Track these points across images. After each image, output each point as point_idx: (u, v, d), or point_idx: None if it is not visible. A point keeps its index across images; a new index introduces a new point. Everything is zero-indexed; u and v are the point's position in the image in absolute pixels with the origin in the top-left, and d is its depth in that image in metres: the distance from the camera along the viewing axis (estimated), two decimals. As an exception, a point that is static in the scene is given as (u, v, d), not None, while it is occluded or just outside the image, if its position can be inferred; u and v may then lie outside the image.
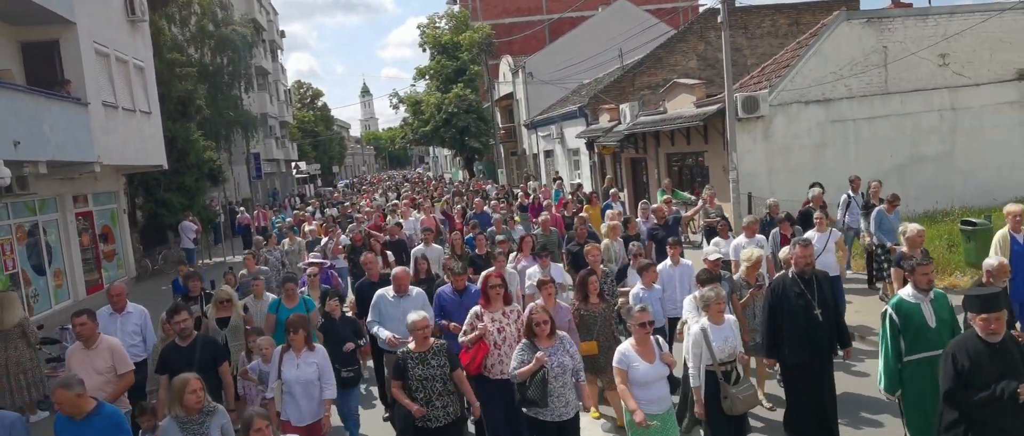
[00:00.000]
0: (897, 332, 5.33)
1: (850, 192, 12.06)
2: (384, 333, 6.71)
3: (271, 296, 8.38)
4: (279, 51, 54.29)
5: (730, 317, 5.74)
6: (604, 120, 23.79)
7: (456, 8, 42.52)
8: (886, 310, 5.37)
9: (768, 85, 16.27)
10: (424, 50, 42.17)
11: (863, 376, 7.76)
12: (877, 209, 10.58)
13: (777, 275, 6.73)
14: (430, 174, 71.71)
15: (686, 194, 16.44)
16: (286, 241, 13.97)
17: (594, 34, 33.63)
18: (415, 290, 6.94)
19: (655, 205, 11.94)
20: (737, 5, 25.15)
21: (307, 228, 16.13)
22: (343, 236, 13.80)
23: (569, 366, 5.43)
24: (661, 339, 5.41)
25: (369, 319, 6.92)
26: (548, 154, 32.49)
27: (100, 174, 16.05)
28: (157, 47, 20.63)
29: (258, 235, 17.18)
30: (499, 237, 11.05)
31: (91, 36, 15.09)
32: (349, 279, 11.98)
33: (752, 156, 15.77)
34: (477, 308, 6.20)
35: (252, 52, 34.49)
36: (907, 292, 5.47)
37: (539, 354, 5.25)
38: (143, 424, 5.75)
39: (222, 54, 30.18)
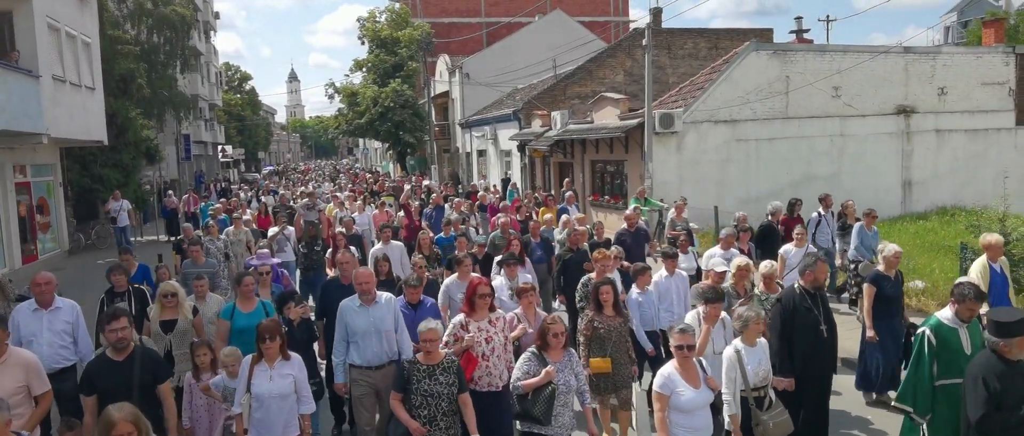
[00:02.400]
0: (934, 355, 5.19)
1: (820, 211, 11.71)
2: (341, 376, 6.01)
3: (215, 297, 7.43)
4: (212, 32, 53.53)
5: (762, 339, 5.42)
6: (536, 125, 25.26)
7: (396, 6, 43.21)
8: (923, 332, 5.22)
9: (684, 104, 18.09)
10: (362, 43, 42.68)
11: (835, 394, 7.19)
12: (858, 225, 10.48)
13: (785, 290, 6.46)
14: (359, 166, 71.74)
15: (658, 201, 16.28)
16: (230, 230, 12.62)
17: (530, 41, 35.08)
18: (384, 296, 6.03)
19: (627, 212, 11.54)
20: (663, 27, 27.25)
21: (245, 217, 14.59)
22: (290, 228, 12.85)
23: (573, 386, 5.19)
24: (704, 362, 5.10)
25: (336, 339, 5.99)
26: (481, 153, 33.78)
27: (40, 146, 16.34)
28: (100, 24, 20.77)
29: (187, 222, 15.29)
30: (480, 239, 10.59)
31: (44, 10, 15.44)
32: (297, 274, 11.34)
33: (666, 167, 17.54)
34: (461, 317, 5.79)
35: (189, 33, 34.30)
36: (946, 316, 5.32)
37: (549, 368, 4.97)
38: None
39: (160, 33, 30.05)
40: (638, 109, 18.90)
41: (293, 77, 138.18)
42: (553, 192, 21.04)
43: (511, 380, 5.19)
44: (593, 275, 7.31)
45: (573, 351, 5.34)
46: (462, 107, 36.17)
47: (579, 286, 7.34)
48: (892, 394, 6.92)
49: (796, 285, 6.18)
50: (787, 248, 9.43)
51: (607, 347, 6.18)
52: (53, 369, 5.84)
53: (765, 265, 6.95)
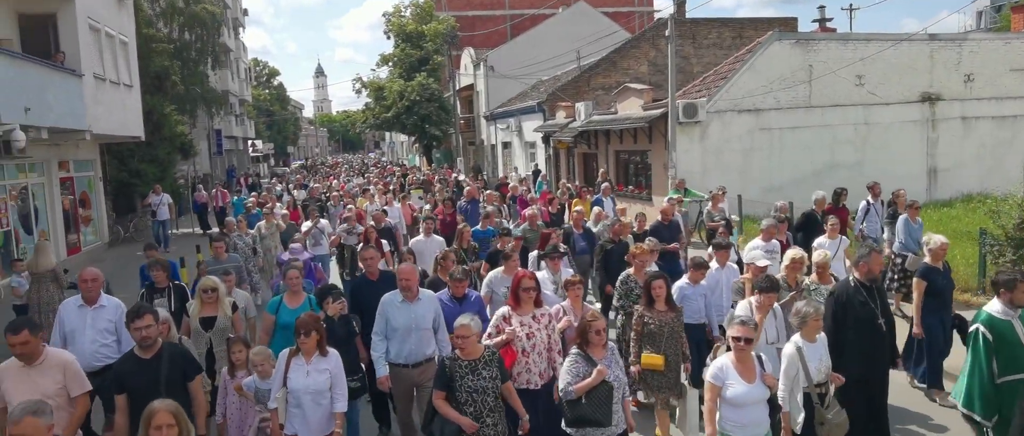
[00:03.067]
0: (991, 351, 4.90)
1: (869, 199, 11.37)
2: (382, 369, 5.87)
3: (242, 293, 7.39)
4: (241, 29, 54.49)
5: (821, 334, 5.23)
6: (560, 116, 25.51)
7: (421, 0, 43.63)
8: (977, 328, 4.92)
9: (707, 94, 18.22)
10: (388, 37, 43.22)
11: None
12: (903, 218, 10.03)
13: (840, 282, 6.27)
14: (386, 159, 72.55)
15: (699, 192, 15.91)
16: (262, 224, 12.50)
17: (554, 33, 35.29)
18: (426, 293, 6.05)
19: (664, 205, 11.10)
20: (687, 17, 27.30)
21: (279, 211, 14.58)
22: (324, 221, 12.76)
23: (623, 381, 4.98)
24: (763, 357, 4.88)
25: (375, 334, 5.89)
26: (506, 145, 34.11)
27: (82, 143, 17.03)
28: (135, 23, 21.44)
29: (228, 217, 15.10)
30: (516, 231, 10.43)
31: (86, 11, 16.07)
32: (331, 265, 11.19)
33: (689, 156, 17.71)
34: (505, 309, 5.70)
35: (219, 30, 35.06)
36: (996, 308, 5.03)
37: (601, 367, 4.72)
38: None
39: (191, 31, 30.80)
40: (662, 99, 19.07)
41: (320, 72, 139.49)
42: (583, 184, 20.54)
43: (560, 387, 4.88)
44: (631, 271, 7.08)
45: (613, 345, 5.13)
46: (487, 99, 36.52)
47: (619, 283, 7.11)
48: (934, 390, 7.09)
49: (850, 277, 5.97)
50: (820, 240, 9.07)
51: (660, 343, 5.99)
52: (94, 367, 5.82)
53: (818, 254, 6.71)
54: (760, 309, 5.77)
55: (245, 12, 56.74)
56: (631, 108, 20.25)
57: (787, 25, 26.38)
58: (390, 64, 43.17)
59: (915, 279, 7.07)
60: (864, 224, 11.14)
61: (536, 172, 25.18)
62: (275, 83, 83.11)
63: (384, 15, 43.50)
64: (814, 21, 21.44)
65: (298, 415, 5.03)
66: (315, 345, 5.06)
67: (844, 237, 9.21)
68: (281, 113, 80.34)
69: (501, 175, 31.94)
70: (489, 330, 5.63)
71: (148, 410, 3.74)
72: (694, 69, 25.46)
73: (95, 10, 16.80)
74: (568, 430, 4.86)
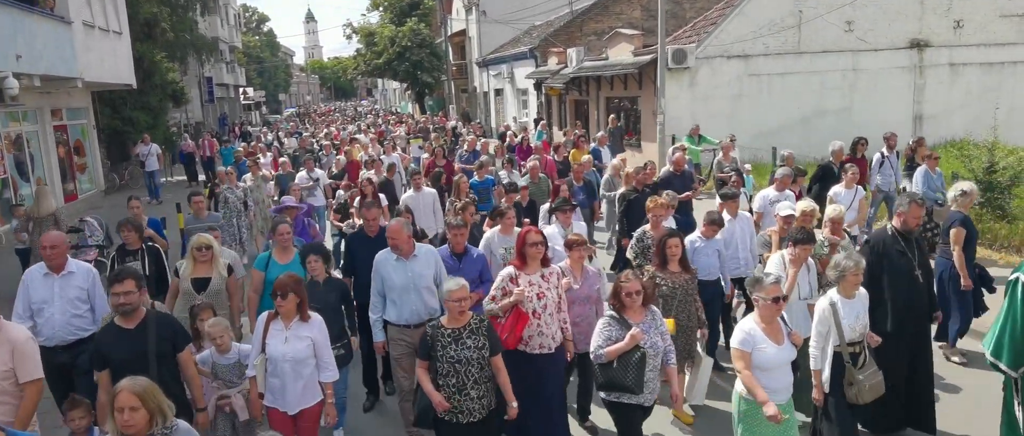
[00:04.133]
0: None
1: (884, 151, 10.88)
2: (379, 333, 5.65)
3: (229, 252, 6.79)
4: (229, -27, 53.51)
5: (862, 290, 4.93)
6: (552, 63, 25.51)
7: (412, -58, 42.87)
8: (1017, 277, 4.62)
9: (697, 40, 18.28)
10: (379, -18, 42.63)
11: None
12: (921, 169, 9.71)
13: (876, 232, 6.06)
14: (379, 107, 72.19)
15: (713, 140, 15.12)
16: (248, 176, 11.65)
17: (547, -23, 34.87)
18: (423, 248, 5.66)
19: (676, 154, 10.35)
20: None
21: (262, 161, 14.08)
22: (319, 171, 12.38)
23: (661, 348, 4.68)
24: (785, 315, 4.57)
25: (372, 294, 5.60)
26: (498, 92, 34.07)
27: (74, 90, 17.07)
28: (122, -33, 21.21)
29: (220, 167, 14.70)
30: (521, 182, 9.81)
31: (72, -44, 15.90)
32: (327, 223, 10.64)
33: (678, 103, 17.87)
34: (510, 269, 5.22)
35: (207, -26, 34.52)
36: None
37: (635, 330, 4.48)
38: (71, 422, 4.26)
39: (178, -25, 30.36)
40: (653, 45, 19.11)
41: (310, 17, 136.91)
42: (577, 130, 19.39)
43: (591, 348, 4.65)
44: (648, 227, 6.66)
45: (655, 309, 4.81)
46: (479, 45, 36.29)
47: (634, 241, 6.70)
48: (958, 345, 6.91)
49: (888, 226, 5.71)
50: (836, 190, 8.74)
51: (671, 306, 5.63)
52: (68, 340, 5.38)
53: (832, 209, 6.39)
54: (794, 262, 5.48)
55: (232, -45, 55.60)
56: (622, 54, 20.29)
57: (781, -31, 26.17)
58: (381, 9, 42.69)
59: (954, 229, 6.66)
60: (879, 176, 10.73)
61: (536, 121, 24.92)
62: (265, 29, 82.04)
63: (374, -42, 42.80)
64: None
65: (276, 385, 4.63)
66: (294, 308, 4.61)
67: (860, 188, 8.91)
68: (272, 60, 79.55)
69: (498, 124, 32.02)
70: (493, 292, 5.21)
71: (114, 389, 3.35)
72: (687, 14, 25.36)
73: (81, -45, 16.64)
74: (601, 393, 4.68)
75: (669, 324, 5.37)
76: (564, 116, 25.47)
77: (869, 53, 18.95)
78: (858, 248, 6.53)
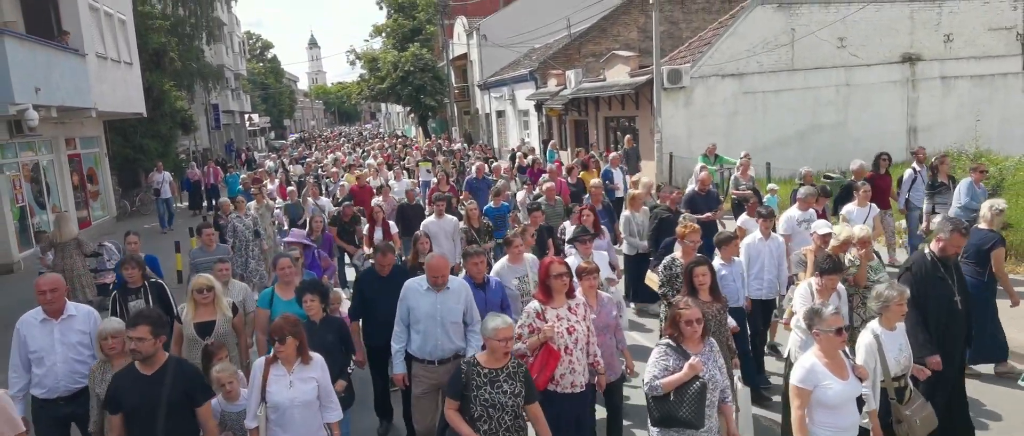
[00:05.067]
0: None
1: (915, 166, 10.42)
2: (400, 364, 5.35)
3: (239, 285, 6.63)
4: (233, 1, 54.47)
5: (901, 324, 4.72)
6: (552, 84, 25.99)
7: (414, -31, 43.74)
8: None
9: (692, 59, 18.74)
10: (381, 8, 43.43)
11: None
12: (966, 182, 9.10)
13: (915, 256, 5.85)
14: (382, 130, 72.88)
15: (730, 159, 15.07)
16: (252, 205, 11.36)
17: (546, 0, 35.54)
18: (457, 280, 5.38)
19: (704, 174, 10.28)
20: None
21: (269, 187, 13.86)
22: (323, 199, 12.18)
23: (719, 382, 4.31)
24: (848, 349, 4.30)
25: (397, 322, 5.32)
26: (500, 114, 34.58)
27: (87, 120, 17.60)
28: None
29: (224, 197, 12.97)
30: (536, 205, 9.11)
31: (86, -8, 16.52)
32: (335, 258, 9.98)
33: (674, 121, 18.29)
34: (535, 304, 4.94)
35: (212, 4, 35.28)
36: None
37: (693, 360, 4.14)
38: None
39: (185, 6, 31.07)
40: (648, 66, 19.57)
41: (313, 43, 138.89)
42: (592, 151, 18.64)
43: (645, 380, 4.31)
44: (678, 254, 6.34)
45: (713, 341, 4.47)
46: (480, 68, 36.88)
47: (661, 268, 6.34)
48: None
49: (926, 250, 5.59)
50: (849, 208, 8.54)
51: None
52: (72, 390, 5.04)
53: (860, 229, 6.23)
54: (822, 293, 5.31)
55: (237, -15, 56.63)
56: (619, 75, 20.77)
57: (774, -12, 26.75)
58: (383, 35, 43.44)
59: (995, 251, 6.49)
60: (909, 193, 10.25)
61: (545, 142, 24.36)
62: (269, 56, 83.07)
63: (376, -15, 43.62)
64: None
65: (284, 431, 4.39)
66: (294, 352, 4.38)
67: (874, 205, 8.66)
68: (276, 86, 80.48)
69: (500, 145, 32.49)
70: (518, 330, 4.78)
71: None
72: (684, 34, 25.84)
73: (94, -10, 17.25)
74: (653, 429, 4.34)
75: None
76: (565, 136, 25.91)
77: (862, 68, 19.39)
78: (892, 268, 6.32)
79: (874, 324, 4.67)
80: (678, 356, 4.22)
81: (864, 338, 4.63)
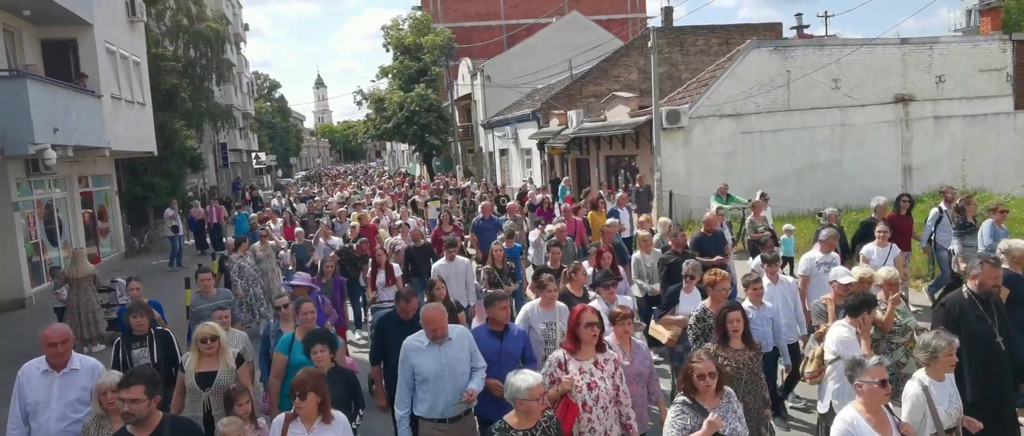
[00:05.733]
0: None
1: (942, 206, 10.21)
2: (405, 433, 4.94)
3: (239, 334, 6.42)
4: (242, 43, 55.70)
5: (950, 374, 4.43)
6: (554, 124, 26.53)
7: (419, 13, 44.76)
8: None
9: (690, 100, 19.22)
10: (387, 50, 44.31)
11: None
12: (988, 223, 9.13)
13: (952, 295, 5.64)
14: (387, 168, 73.69)
15: (741, 198, 15.16)
16: (256, 246, 11.30)
17: (549, 42, 36.39)
18: (457, 329, 5.05)
19: (709, 214, 10.11)
20: (675, 25, 28.37)
21: (272, 227, 13.72)
22: (335, 238, 12.08)
23: (742, 434, 4.17)
24: (891, 405, 4.14)
25: (399, 386, 4.97)
26: (503, 153, 35.13)
27: (100, 159, 18.09)
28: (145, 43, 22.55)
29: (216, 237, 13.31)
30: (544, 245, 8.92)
31: (104, 36, 17.14)
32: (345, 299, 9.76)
33: (674, 160, 18.70)
34: (560, 353, 4.69)
35: (223, 46, 36.18)
36: None
37: (713, 416, 3.95)
38: None
39: (196, 49, 31.90)
40: (648, 106, 20.05)
41: (320, 83, 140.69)
42: (602, 191, 18.82)
43: None
44: (707, 302, 6.03)
45: (730, 391, 4.31)
46: (484, 108, 37.60)
47: (694, 320, 5.98)
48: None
49: (964, 289, 5.41)
50: (869, 248, 8.32)
51: (738, 389, 4.81)
52: None
53: (886, 271, 5.99)
54: (864, 333, 5.08)
55: (246, 27, 57.87)
56: (619, 115, 21.26)
57: (771, 31, 27.47)
58: (389, 76, 44.26)
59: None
60: (936, 232, 10.10)
61: (555, 181, 23.91)
62: (276, 95, 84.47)
63: (383, 28, 44.57)
64: (792, 28, 22.54)
65: None
66: (316, 408, 4.19)
67: (895, 245, 8.48)
68: (283, 125, 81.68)
69: (503, 183, 32.92)
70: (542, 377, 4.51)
71: None
72: (682, 75, 26.46)
73: (111, 34, 17.87)
74: None
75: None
76: (566, 174, 26.36)
77: (856, 108, 19.85)
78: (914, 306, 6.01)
79: (921, 375, 4.38)
80: (695, 413, 4.04)
81: (911, 389, 4.33)
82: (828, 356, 5.17)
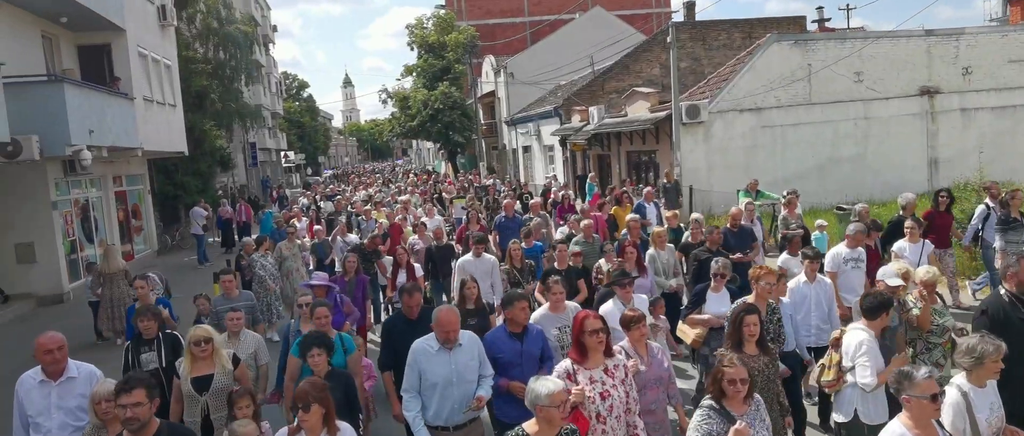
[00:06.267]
0: None
1: (988, 202, 9.87)
2: (421, 431, 4.69)
3: (254, 336, 6.25)
4: (271, 44, 56.63)
5: (993, 381, 4.20)
6: (576, 120, 26.67)
7: (443, 11, 45.12)
8: None
9: (710, 95, 19.23)
10: (412, 49, 44.75)
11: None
12: None
13: (990, 297, 5.44)
14: (413, 166, 74.28)
15: (773, 194, 14.73)
16: (283, 244, 11.17)
17: (572, 38, 36.45)
18: (465, 335, 4.86)
19: (734, 208, 9.87)
20: (697, 19, 28.30)
21: (297, 225, 13.70)
22: (352, 236, 12.13)
23: None
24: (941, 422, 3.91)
25: (406, 389, 4.79)
26: (526, 149, 35.34)
27: (133, 159, 18.68)
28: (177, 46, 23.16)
29: (247, 237, 12.99)
30: (574, 247, 8.59)
31: (136, 40, 17.71)
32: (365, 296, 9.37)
33: (694, 155, 18.74)
34: (566, 363, 4.47)
35: (252, 48, 36.87)
36: None
37: (740, 425, 3.82)
38: None
39: (226, 50, 32.58)
40: (668, 101, 20.12)
41: (347, 82, 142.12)
42: (626, 187, 18.14)
43: None
44: (751, 299, 5.70)
45: (759, 398, 4.17)
46: (507, 105, 37.82)
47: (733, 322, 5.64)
48: None
49: (1002, 290, 5.21)
50: (900, 245, 8.08)
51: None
52: None
53: (924, 271, 5.78)
54: (900, 347, 5.02)
55: (275, 28, 58.88)
56: (639, 111, 21.34)
57: (795, 24, 27.27)
58: (414, 74, 44.70)
59: None
60: (983, 229, 9.79)
61: (581, 177, 23.67)
62: (305, 95, 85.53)
63: (407, 27, 45.03)
64: (813, 21, 22.40)
65: None
66: (320, 421, 4.03)
67: (927, 241, 8.21)
68: (311, 124, 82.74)
69: (526, 179, 33.15)
70: None
71: None
72: (705, 70, 26.35)
73: (143, 38, 18.45)
74: None
75: None
76: (588, 170, 26.49)
77: (880, 101, 19.67)
78: (957, 310, 5.89)
79: (961, 380, 4.14)
80: (722, 419, 3.91)
81: (951, 396, 4.08)
82: (846, 363, 4.92)
